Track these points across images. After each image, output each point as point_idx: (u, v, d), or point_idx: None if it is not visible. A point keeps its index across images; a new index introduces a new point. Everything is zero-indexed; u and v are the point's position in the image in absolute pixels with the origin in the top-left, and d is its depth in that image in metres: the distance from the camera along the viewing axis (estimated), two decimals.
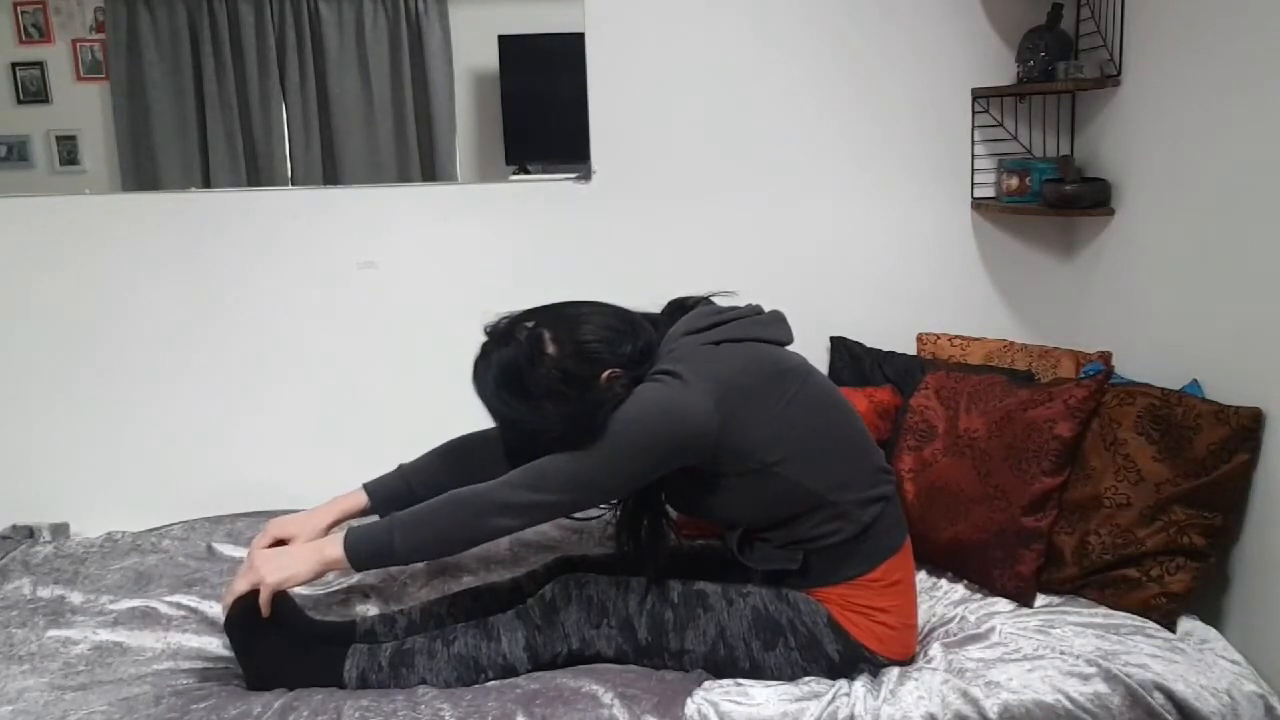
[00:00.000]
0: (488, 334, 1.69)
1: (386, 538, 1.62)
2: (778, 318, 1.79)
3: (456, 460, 1.86)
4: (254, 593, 1.66)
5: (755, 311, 1.79)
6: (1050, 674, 1.61)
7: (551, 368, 1.62)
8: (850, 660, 1.68)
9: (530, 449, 1.62)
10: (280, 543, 1.76)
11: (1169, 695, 1.60)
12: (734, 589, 1.72)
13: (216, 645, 1.85)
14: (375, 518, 1.76)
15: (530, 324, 1.66)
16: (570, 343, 1.64)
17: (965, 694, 1.58)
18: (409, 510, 1.65)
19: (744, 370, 1.66)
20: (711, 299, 1.84)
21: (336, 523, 1.80)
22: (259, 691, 1.68)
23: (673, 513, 1.83)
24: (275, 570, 1.64)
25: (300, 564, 1.65)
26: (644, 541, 1.79)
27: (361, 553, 1.64)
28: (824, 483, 1.66)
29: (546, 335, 1.64)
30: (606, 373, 1.64)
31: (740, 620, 1.69)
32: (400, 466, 1.88)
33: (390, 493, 1.83)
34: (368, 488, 1.85)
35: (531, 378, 1.61)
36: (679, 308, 1.83)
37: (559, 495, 1.61)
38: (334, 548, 1.64)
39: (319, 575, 1.66)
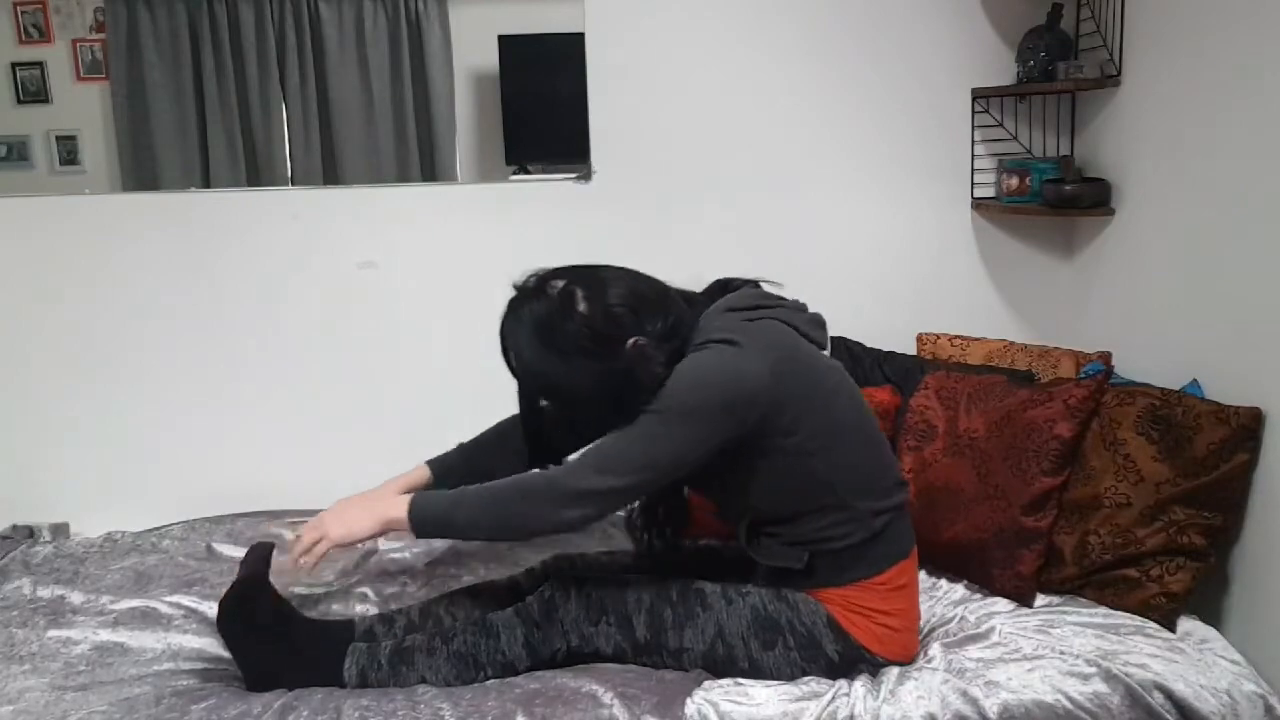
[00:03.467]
0: (517, 289, 1.65)
1: (450, 511, 1.62)
2: (819, 321, 1.77)
3: (516, 439, 1.83)
4: (245, 586, 1.69)
5: (800, 307, 1.78)
6: (1050, 674, 1.61)
7: (582, 325, 1.58)
8: (850, 660, 1.68)
9: (556, 425, 1.63)
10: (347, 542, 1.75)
11: (1168, 695, 1.60)
12: (733, 588, 1.72)
13: (217, 645, 1.85)
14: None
15: (561, 282, 1.63)
16: (600, 303, 1.60)
17: (965, 694, 1.58)
18: (478, 488, 1.63)
19: (795, 348, 1.65)
20: (759, 283, 1.82)
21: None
22: (259, 692, 1.67)
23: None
24: (339, 524, 1.66)
25: (363, 521, 1.66)
26: (661, 527, 1.78)
27: (424, 519, 1.63)
28: (846, 483, 1.66)
29: (579, 293, 1.60)
30: (631, 340, 1.60)
31: (739, 620, 1.68)
32: (461, 445, 1.88)
33: (451, 471, 1.83)
34: (431, 464, 1.86)
35: (562, 333, 1.58)
36: (722, 288, 1.80)
37: (630, 478, 1.57)
38: (398, 509, 1.64)
39: (379, 534, 1.67)
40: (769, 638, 1.67)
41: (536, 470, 1.65)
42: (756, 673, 1.67)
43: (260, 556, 1.81)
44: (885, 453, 1.75)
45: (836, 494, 1.65)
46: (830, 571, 1.69)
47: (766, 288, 1.81)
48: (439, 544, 2.27)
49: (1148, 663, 1.64)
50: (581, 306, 1.60)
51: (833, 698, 1.59)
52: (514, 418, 1.82)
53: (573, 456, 1.65)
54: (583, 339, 1.58)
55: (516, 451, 1.79)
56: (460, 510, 1.62)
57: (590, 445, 1.61)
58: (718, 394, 1.57)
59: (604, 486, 1.57)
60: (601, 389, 1.58)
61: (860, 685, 1.63)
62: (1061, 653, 1.66)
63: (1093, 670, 1.62)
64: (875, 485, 1.70)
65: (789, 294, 1.79)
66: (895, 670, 1.67)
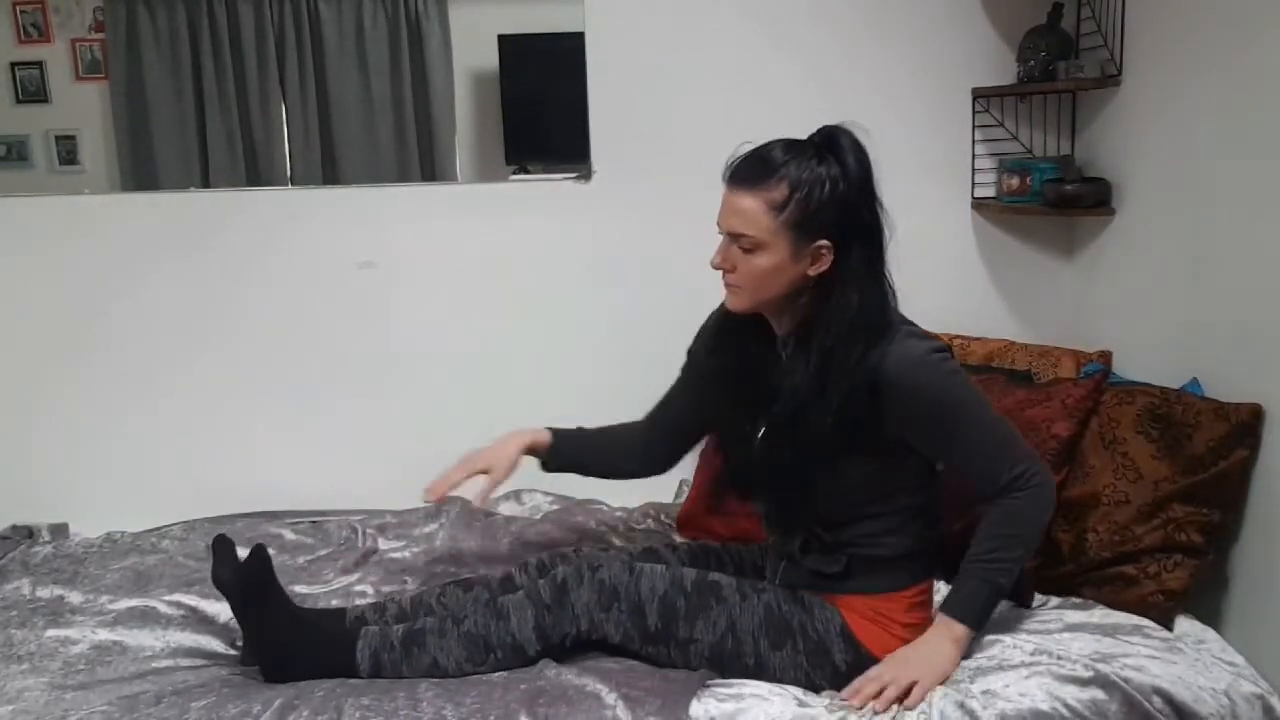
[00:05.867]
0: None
1: (989, 589, 1.64)
2: None
3: (606, 441, 1.94)
4: (255, 565, 1.71)
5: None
6: (1046, 680, 1.59)
7: (834, 182, 1.56)
8: (857, 670, 1.66)
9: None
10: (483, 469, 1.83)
11: (1167, 699, 1.59)
12: (749, 584, 1.72)
13: (217, 644, 1.85)
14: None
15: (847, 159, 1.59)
16: (853, 185, 1.57)
17: (962, 705, 1.56)
18: (976, 562, 1.64)
19: None
20: None
21: (524, 451, 1.86)
22: (271, 683, 1.68)
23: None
24: (932, 673, 1.61)
25: (949, 662, 1.63)
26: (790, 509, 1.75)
27: (979, 614, 1.66)
28: (920, 493, 1.69)
29: (840, 174, 1.58)
30: (824, 243, 1.57)
31: (751, 616, 1.68)
32: (583, 429, 1.93)
33: (568, 438, 1.90)
34: (551, 429, 1.89)
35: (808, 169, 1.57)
36: None
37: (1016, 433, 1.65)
38: (956, 627, 1.64)
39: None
40: (779, 638, 1.67)
41: (1001, 509, 1.63)
42: (761, 671, 1.67)
43: (228, 549, 1.79)
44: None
45: (909, 499, 1.67)
46: (864, 578, 1.68)
47: None
48: (439, 543, 2.27)
49: (1145, 665, 1.63)
50: (834, 171, 1.57)
51: (843, 715, 1.58)
52: (622, 426, 1.92)
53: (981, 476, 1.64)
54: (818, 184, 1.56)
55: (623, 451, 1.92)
56: (1003, 578, 1.64)
57: (979, 462, 1.63)
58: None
59: (1031, 456, 1.63)
60: (799, 228, 1.57)
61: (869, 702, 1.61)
62: (1059, 657, 1.64)
63: (1090, 676, 1.60)
64: (934, 504, 1.72)
65: None
66: None
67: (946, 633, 1.64)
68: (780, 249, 1.58)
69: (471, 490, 1.86)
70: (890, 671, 1.61)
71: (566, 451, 1.90)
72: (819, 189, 1.56)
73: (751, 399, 1.70)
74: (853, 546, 1.68)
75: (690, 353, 1.88)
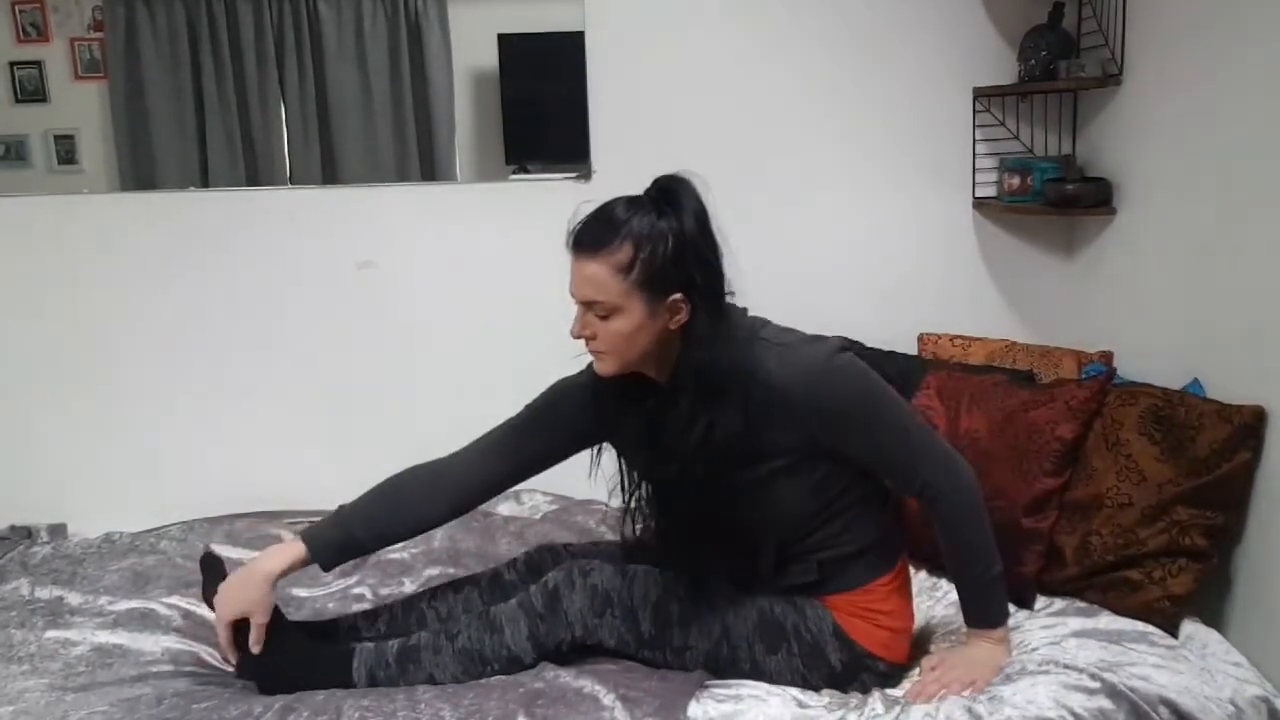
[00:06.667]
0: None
1: (989, 587, 1.66)
2: None
3: (396, 499, 1.76)
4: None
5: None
6: (1054, 688, 1.58)
7: (677, 235, 1.54)
8: (852, 669, 1.66)
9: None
10: (240, 617, 1.66)
11: (1174, 709, 1.57)
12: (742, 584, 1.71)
13: (213, 654, 1.84)
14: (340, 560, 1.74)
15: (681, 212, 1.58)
16: (691, 237, 1.55)
17: (970, 710, 1.56)
18: (961, 576, 1.68)
19: None
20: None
21: (281, 575, 1.68)
22: (269, 694, 1.66)
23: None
24: (989, 670, 1.65)
25: (1001, 657, 1.68)
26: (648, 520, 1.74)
27: (999, 613, 1.69)
28: (864, 485, 1.68)
29: (680, 226, 1.56)
30: (678, 295, 1.55)
31: (745, 621, 1.67)
32: (339, 509, 1.76)
33: (329, 540, 1.71)
34: (305, 535, 1.72)
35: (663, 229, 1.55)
36: None
37: (948, 451, 1.66)
38: (990, 634, 1.68)
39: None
40: (773, 642, 1.66)
41: (942, 528, 1.66)
42: (757, 675, 1.67)
43: (217, 568, 1.77)
44: None
45: (857, 492, 1.66)
46: (839, 578, 1.68)
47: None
48: (437, 544, 2.26)
49: (1151, 674, 1.62)
50: (676, 224, 1.55)
51: (843, 714, 1.58)
52: (396, 477, 1.76)
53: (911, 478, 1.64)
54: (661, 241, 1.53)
55: (409, 511, 1.75)
56: (990, 579, 1.66)
57: (894, 463, 1.64)
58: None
59: (938, 457, 1.63)
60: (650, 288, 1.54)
61: (869, 700, 1.62)
62: (1065, 665, 1.63)
63: (1097, 685, 1.58)
64: (880, 484, 1.72)
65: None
66: (904, 685, 1.67)
67: (984, 640, 1.68)
68: (636, 310, 1.54)
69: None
70: (950, 673, 1.63)
71: (332, 548, 1.71)
72: (663, 244, 1.53)
73: (669, 460, 1.64)
74: (819, 552, 1.67)
75: (545, 407, 1.81)
